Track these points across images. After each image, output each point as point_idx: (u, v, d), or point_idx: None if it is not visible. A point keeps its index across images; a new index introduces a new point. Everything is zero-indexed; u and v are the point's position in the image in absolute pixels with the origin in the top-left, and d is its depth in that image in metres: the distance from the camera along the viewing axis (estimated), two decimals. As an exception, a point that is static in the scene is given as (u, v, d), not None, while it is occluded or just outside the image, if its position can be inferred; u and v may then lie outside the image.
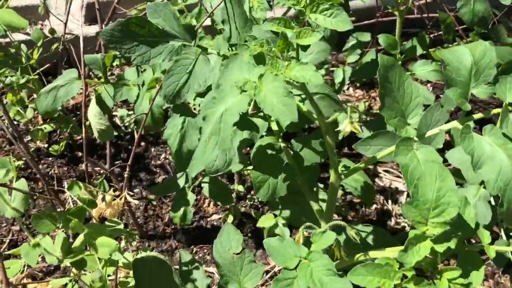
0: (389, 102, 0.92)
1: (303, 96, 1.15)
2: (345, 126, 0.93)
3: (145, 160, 2.13)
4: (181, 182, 1.65)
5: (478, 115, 0.95)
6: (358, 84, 2.47)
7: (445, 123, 0.98)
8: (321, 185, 1.60)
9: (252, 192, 2.00)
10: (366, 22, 2.37)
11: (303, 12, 0.93)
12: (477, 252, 0.85)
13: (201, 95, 1.08)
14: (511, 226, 0.84)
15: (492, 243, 0.88)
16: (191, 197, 1.63)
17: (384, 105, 0.91)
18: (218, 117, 0.84)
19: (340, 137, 1.05)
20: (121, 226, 1.12)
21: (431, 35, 2.31)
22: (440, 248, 0.76)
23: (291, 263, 0.85)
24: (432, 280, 0.78)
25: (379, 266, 0.77)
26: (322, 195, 1.60)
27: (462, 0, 1.58)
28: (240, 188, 1.92)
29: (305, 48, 0.93)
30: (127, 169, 1.40)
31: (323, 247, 0.87)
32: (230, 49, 1.05)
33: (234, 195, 1.96)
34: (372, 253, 0.96)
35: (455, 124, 0.94)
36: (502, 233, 1.52)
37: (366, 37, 2.10)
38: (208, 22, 1.33)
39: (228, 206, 1.91)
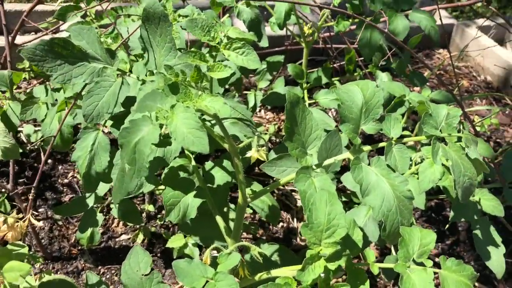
0: (292, 134, 1.01)
1: (214, 121, 1.22)
2: (252, 154, 1.01)
3: (51, 178, 2.06)
4: (89, 202, 1.63)
5: (367, 147, 1.07)
6: (269, 107, 2.60)
7: (345, 146, 1.10)
8: (232, 206, 1.67)
9: (163, 212, 2.01)
10: (277, 49, 2.52)
11: (217, 48, 1.00)
12: (363, 269, 0.96)
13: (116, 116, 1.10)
14: (394, 244, 0.97)
15: (383, 258, 0.99)
16: (99, 217, 1.61)
17: (288, 137, 1.00)
18: (133, 147, 0.87)
19: (249, 163, 1.13)
20: (26, 250, 1.09)
21: (335, 64, 2.51)
22: (332, 266, 0.86)
23: (198, 284, 0.90)
24: (325, 295, 0.87)
25: (278, 286, 0.85)
26: (233, 215, 1.67)
27: (361, 34, 1.75)
28: (151, 208, 1.93)
29: (220, 81, 1.00)
30: (32, 191, 1.36)
31: (229, 268, 0.93)
32: (147, 74, 1.09)
33: (144, 214, 1.97)
34: (274, 272, 1.04)
35: (348, 155, 1.05)
36: (392, 249, 1.69)
37: (278, 58, 2.22)
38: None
39: (137, 226, 1.90)
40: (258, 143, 1.02)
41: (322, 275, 0.86)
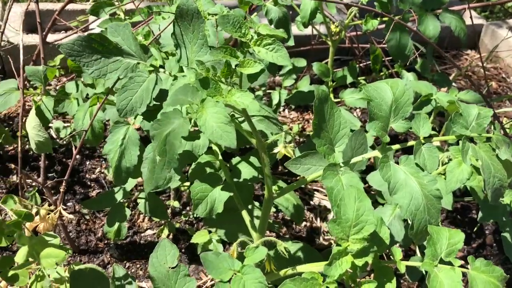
0: (320, 131, 1.01)
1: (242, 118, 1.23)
2: (280, 149, 1.02)
3: (79, 173, 2.11)
4: (118, 196, 1.66)
5: (396, 146, 1.07)
6: (293, 107, 2.60)
7: (370, 146, 1.10)
8: (257, 203, 1.69)
9: (187, 208, 2.03)
10: (302, 48, 2.52)
11: (247, 44, 1.01)
12: (391, 267, 0.96)
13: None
14: (420, 244, 0.96)
15: (407, 259, 0.99)
16: (127, 212, 1.64)
17: (316, 134, 1.01)
18: (164, 139, 0.89)
19: (276, 158, 1.14)
20: (58, 240, 1.13)
21: (361, 64, 2.49)
22: (360, 262, 0.86)
23: (226, 276, 0.91)
24: (351, 291, 0.87)
25: (305, 280, 0.85)
26: (257, 212, 1.68)
27: (390, 34, 1.75)
28: (176, 204, 1.96)
29: (250, 77, 1.01)
30: (63, 184, 1.40)
31: (255, 261, 0.93)
32: (179, 70, 1.11)
33: (169, 210, 1.99)
34: (300, 268, 1.05)
35: (376, 153, 1.05)
36: (417, 250, 1.68)
37: (302, 63, 2.24)
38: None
39: (163, 222, 1.93)
40: (286, 140, 1.03)
41: (350, 271, 0.86)
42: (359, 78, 2.22)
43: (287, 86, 2.26)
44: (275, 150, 1.02)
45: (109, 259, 1.83)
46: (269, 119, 1.33)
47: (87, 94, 1.47)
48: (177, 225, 1.95)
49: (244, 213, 1.15)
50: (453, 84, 2.69)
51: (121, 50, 1.10)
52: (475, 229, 1.98)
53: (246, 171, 1.18)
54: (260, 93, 2.37)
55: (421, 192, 0.98)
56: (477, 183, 1.41)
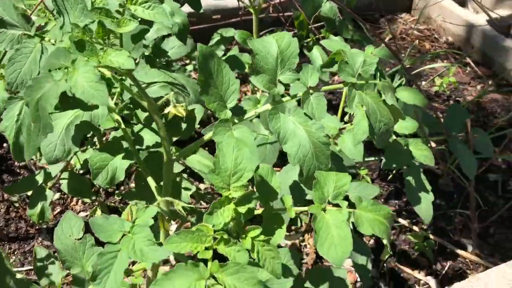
0: (208, 87, 1.01)
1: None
2: (170, 109, 1.02)
3: (7, 161, 2.06)
4: (39, 179, 1.63)
5: (287, 98, 1.08)
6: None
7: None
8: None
9: (122, 188, 2.02)
10: (232, 20, 2.51)
11: (124, 3, 0.99)
12: (280, 213, 0.98)
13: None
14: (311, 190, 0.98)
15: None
16: (49, 193, 1.61)
17: (204, 90, 1.00)
18: (35, 104, 0.87)
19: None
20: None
21: (291, 32, 2.50)
22: (243, 209, 0.87)
23: (115, 238, 0.91)
24: (239, 240, 0.88)
25: (191, 233, 0.86)
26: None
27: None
28: (107, 183, 1.94)
29: (133, 37, 1.00)
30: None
31: (145, 220, 0.94)
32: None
33: (102, 192, 1.98)
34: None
35: (267, 106, 1.06)
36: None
37: (230, 32, 2.22)
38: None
39: (96, 203, 1.91)
40: (174, 100, 1.03)
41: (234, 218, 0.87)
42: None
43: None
44: (166, 111, 1.02)
45: (40, 244, 1.80)
46: (173, 85, 1.32)
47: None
48: (112, 205, 1.94)
49: (150, 180, 1.14)
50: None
51: (3, 21, 1.07)
52: (390, 177, 2.04)
53: (149, 138, 1.17)
54: (190, 67, 2.36)
55: (309, 139, 1.00)
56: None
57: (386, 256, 1.58)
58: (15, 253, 1.77)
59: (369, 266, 1.49)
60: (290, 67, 1.06)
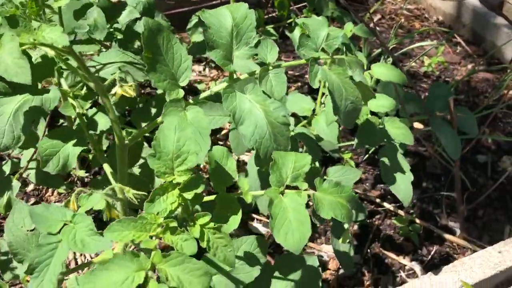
0: (158, 65, 0.94)
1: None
2: (116, 90, 0.95)
3: (-20, 152, 2.00)
4: (6, 169, 1.58)
5: (244, 76, 1.01)
6: (213, 65, 2.51)
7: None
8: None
9: (98, 177, 1.96)
10: (213, 2, 2.43)
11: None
12: (235, 198, 0.91)
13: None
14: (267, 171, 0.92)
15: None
16: (15, 184, 1.56)
17: (151, 68, 0.93)
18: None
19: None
20: None
21: (275, 14, 2.42)
22: (189, 195, 0.80)
23: (55, 228, 0.85)
24: (186, 228, 0.82)
25: (134, 221, 0.80)
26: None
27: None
28: (81, 173, 1.88)
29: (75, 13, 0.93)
30: None
31: (87, 209, 0.88)
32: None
33: (77, 181, 1.92)
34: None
35: (223, 85, 0.99)
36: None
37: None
38: None
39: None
40: (124, 79, 0.96)
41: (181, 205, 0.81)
42: (267, 27, 2.15)
43: (196, 41, 2.17)
44: (112, 92, 0.95)
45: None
46: (133, 65, 1.25)
47: None
48: (86, 195, 1.88)
49: (106, 166, 1.08)
50: (377, 28, 2.64)
51: None
52: (364, 158, 1.98)
53: (103, 122, 1.11)
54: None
55: (266, 120, 0.93)
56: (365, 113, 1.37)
57: (347, 241, 1.46)
58: (-14, 246, 1.71)
59: (351, 252, 1.43)
60: (247, 42, 0.98)
